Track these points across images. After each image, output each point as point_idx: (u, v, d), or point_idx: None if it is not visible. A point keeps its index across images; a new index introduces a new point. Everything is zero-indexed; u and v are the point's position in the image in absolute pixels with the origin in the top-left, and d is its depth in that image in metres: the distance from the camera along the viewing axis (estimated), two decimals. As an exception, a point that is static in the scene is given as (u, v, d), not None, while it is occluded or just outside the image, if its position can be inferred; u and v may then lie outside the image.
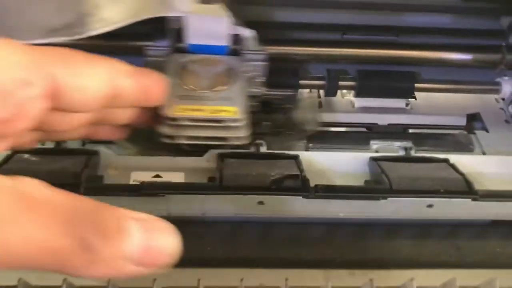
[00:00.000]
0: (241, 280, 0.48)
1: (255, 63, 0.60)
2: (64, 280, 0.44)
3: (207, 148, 0.57)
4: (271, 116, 0.66)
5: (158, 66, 0.58)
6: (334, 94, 0.68)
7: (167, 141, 0.54)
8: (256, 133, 0.59)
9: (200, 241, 0.57)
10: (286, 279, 0.48)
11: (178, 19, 0.57)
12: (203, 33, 0.58)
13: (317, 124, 0.63)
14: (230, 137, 0.55)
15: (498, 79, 0.71)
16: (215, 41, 0.59)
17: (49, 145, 0.59)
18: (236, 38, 0.60)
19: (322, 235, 0.59)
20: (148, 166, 0.57)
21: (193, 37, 0.59)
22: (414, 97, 0.70)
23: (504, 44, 0.67)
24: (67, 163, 0.53)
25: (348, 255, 0.58)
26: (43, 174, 0.51)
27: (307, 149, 0.63)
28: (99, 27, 0.50)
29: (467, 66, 0.69)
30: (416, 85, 0.69)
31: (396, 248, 0.59)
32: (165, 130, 0.53)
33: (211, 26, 0.58)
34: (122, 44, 0.66)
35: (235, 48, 0.60)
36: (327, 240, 0.58)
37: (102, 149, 0.57)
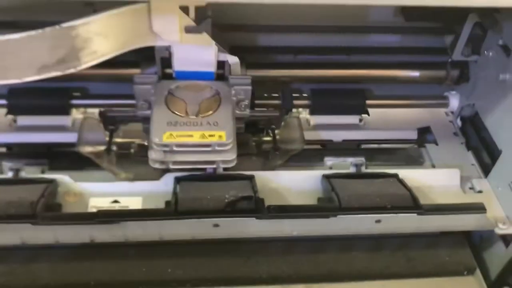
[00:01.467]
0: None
1: (241, 87, 0.62)
2: None
3: None
4: (257, 136, 0.68)
5: (147, 93, 0.60)
6: (289, 112, 0.70)
7: (158, 166, 0.56)
8: (243, 154, 0.61)
9: (160, 263, 0.59)
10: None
11: (165, 48, 0.59)
12: (190, 60, 0.60)
13: (303, 143, 0.64)
14: (218, 160, 0.57)
15: (446, 94, 0.74)
16: (202, 68, 0.61)
17: (8, 174, 0.60)
18: (222, 64, 0.62)
19: (278, 252, 0.61)
20: (106, 192, 0.58)
21: (180, 65, 0.61)
22: (367, 113, 0.72)
23: (448, 60, 0.70)
24: (24, 193, 0.54)
25: (304, 270, 0.60)
26: (2, 206, 0.52)
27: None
28: (90, 60, 0.52)
29: (415, 82, 0.72)
30: (368, 101, 0.72)
31: (350, 261, 0.62)
32: (154, 155, 0.55)
33: (198, 54, 0.60)
34: (117, 72, 0.67)
35: (222, 74, 0.62)
36: (283, 257, 0.61)
37: (59, 176, 0.58)
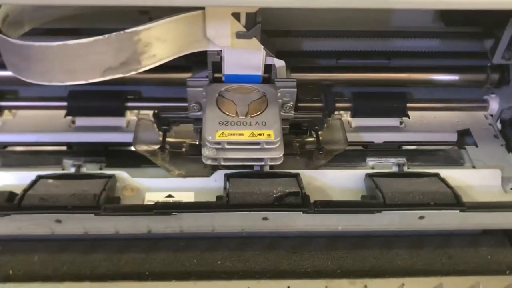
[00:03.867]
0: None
1: (286, 89, 0.65)
2: None
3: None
4: (300, 137, 0.71)
5: (199, 96, 0.64)
6: (331, 114, 0.73)
7: (210, 162, 0.60)
8: (288, 154, 0.63)
9: (210, 255, 0.62)
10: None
11: (216, 52, 0.63)
12: (239, 64, 0.64)
13: (346, 144, 0.67)
14: (267, 157, 0.60)
15: (485, 97, 0.76)
16: (250, 71, 0.65)
17: (71, 169, 0.64)
18: (268, 68, 0.65)
19: (323, 247, 0.63)
20: (160, 187, 0.62)
21: (230, 68, 0.65)
22: (408, 116, 0.74)
23: (488, 64, 0.71)
24: (87, 186, 0.58)
25: (347, 266, 0.62)
26: (66, 198, 0.57)
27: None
28: (150, 63, 0.56)
29: (455, 86, 0.74)
30: (408, 104, 0.74)
31: (392, 257, 0.64)
32: (207, 152, 0.59)
33: (247, 58, 0.63)
34: (168, 76, 0.72)
35: (268, 77, 0.66)
36: (327, 252, 0.63)
37: (118, 172, 0.62)
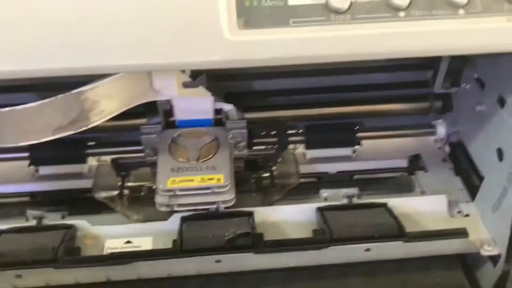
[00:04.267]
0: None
1: (237, 131, 0.68)
2: None
3: None
4: (256, 173, 0.74)
5: (153, 142, 0.67)
6: (285, 148, 0.75)
7: (163, 209, 0.63)
8: (243, 191, 0.66)
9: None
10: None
11: (166, 101, 0.66)
12: (190, 110, 0.67)
13: (298, 177, 0.70)
14: (218, 200, 0.63)
15: (433, 122, 0.79)
16: (201, 116, 0.68)
17: (32, 222, 0.67)
18: (219, 111, 0.68)
19: (280, 281, 0.66)
20: (119, 233, 0.64)
21: (180, 114, 0.68)
22: (360, 145, 0.77)
23: (432, 93, 0.75)
24: (47, 239, 0.61)
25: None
26: (27, 252, 0.59)
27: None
28: (99, 119, 0.59)
29: (403, 114, 0.77)
30: (360, 133, 0.77)
31: (347, 286, 0.66)
32: (161, 199, 0.62)
33: (196, 104, 0.67)
34: (123, 123, 0.73)
35: (219, 119, 0.69)
36: (284, 286, 0.66)
37: (77, 222, 0.64)
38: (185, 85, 0.63)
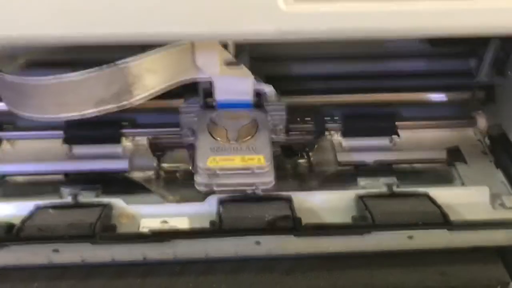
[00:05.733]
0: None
1: (276, 113, 0.67)
2: None
3: None
4: (293, 159, 0.73)
5: (191, 122, 0.66)
6: (322, 136, 0.74)
7: (202, 188, 0.62)
8: (280, 176, 0.65)
9: (205, 279, 0.63)
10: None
11: (207, 80, 0.65)
12: (230, 90, 0.66)
13: (336, 165, 0.69)
14: (258, 182, 0.62)
15: (473, 114, 0.77)
16: (241, 97, 0.67)
17: (68, 199, 0.66)
18: (258, 93, 0.67)
19: (317, 268, 0.64)
20: (155, 213, 0.63)
21: (220, 95, 0.67)
22: (397, 135, 0.76)
23: (474, 83, 0.73)
24: (83, 216, 0.60)
25: (341, 285, 0.63)
26: (64, 227, 0.58)
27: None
28: (141, 93, 0.58)
29: (443, 105, 0.75)
30: (398, 123, 0.75)
31: (385, 276, 0.65)
32: (200, 179, 0.61)
33: (237, 85, 0.66)
34: (162, 103, 0.72)
35: (258, 102, 0.68)
36: (321, 273, 0.64)
37: (113, 200, 0.64)
38: (227, 63, 0.62)
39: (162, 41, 0.54)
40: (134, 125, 0.76)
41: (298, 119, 0.75)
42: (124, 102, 0.58)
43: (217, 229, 0.58)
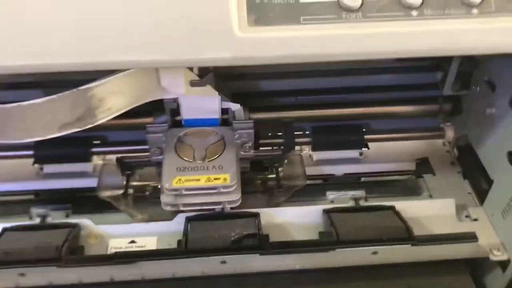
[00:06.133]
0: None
1: (244, 131, 0.67)
2: None
3: None
4: (262, 174, 0.73)
5: (159, 141, 0.66)
6: (292, 150, 0.75)
7: (169, 209, 0.62)
8: (249, 192, 0.66)
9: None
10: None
11: (173, 100, 0.65)
12: (196, 109, 0.66)
13: (305, 179, 0.69)
14: (224, 201, 0.62)
15: (441, 125, 0.78)
16: (208, 115, 0.67)
17: (36, 220, 0.66)
18: (226, 110, 0.68)
19: (284, 284, 0.65)
20: (123, 233, 0.63)
21: (187, 114, 0.67)
22: (367, 147, 0.76)
23: (441, 95, 0.74)
24: (51, 238, 0.60)
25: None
26: (30, 250, 0.58)
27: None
28: (105, 116, 0.58)
29: (411, 117, 0.76)
30: (367, 136, 0.76)
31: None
32: (166, 199, 0.61)
33: (203, 104, 0.66)
34: (129, 122, 0.72)
35: (226, 119, 0.68)
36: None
37: (82, 221, 0.64)
38: (193, 83, 0.62)
39: (123, 68, 0.54)
40: (105, 143, 0.76)
41: (270, 134, 0.75)
42: (88, 125, 0.58)
43: (183, 250, 0.58)
